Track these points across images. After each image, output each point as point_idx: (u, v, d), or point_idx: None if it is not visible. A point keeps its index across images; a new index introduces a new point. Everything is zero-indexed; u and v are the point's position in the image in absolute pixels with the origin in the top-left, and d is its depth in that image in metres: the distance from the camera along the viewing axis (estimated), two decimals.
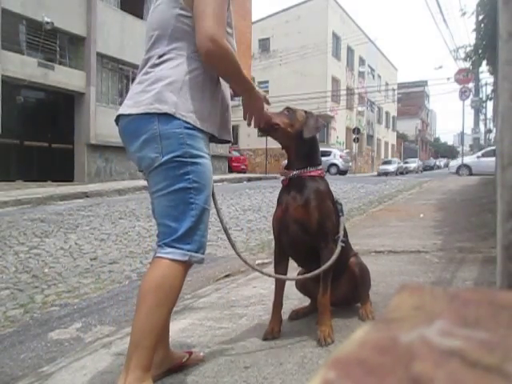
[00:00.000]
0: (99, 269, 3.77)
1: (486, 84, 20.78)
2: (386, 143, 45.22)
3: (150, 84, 1.55)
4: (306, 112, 2.11)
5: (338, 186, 12.64)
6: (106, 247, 4.57)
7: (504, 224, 1.34)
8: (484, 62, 8.85)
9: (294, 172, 2.01)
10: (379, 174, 27.88)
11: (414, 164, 37.52)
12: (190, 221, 1.55)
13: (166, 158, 1.52)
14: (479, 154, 21.28)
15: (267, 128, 2.00)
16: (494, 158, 20.39)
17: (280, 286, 2.10)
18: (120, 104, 12.60)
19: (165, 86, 1.53)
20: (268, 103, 1.88)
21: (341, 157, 24.29)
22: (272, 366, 1.74)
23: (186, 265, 1.57)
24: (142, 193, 10.54)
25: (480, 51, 7.85)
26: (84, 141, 13.82)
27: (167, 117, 1.52)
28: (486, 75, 16.87)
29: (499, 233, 1.40)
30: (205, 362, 1.82)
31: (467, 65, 11.56)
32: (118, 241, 4.86)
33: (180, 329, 2.21)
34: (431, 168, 45.75)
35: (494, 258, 2.46)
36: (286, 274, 2.09)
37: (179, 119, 1.52)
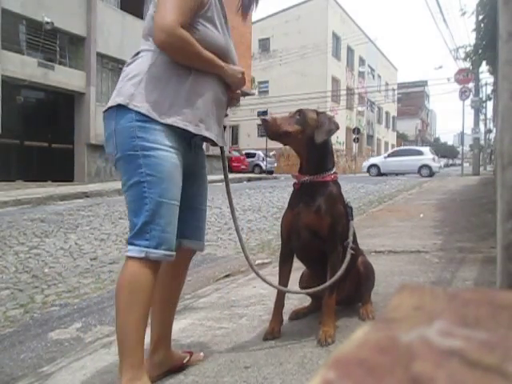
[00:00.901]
0: (99, 269, 3.77)
1: (486, 84, 20.80)
2: (386, 143, 45.22)
3: (119, 83, 1.61)
4: (317, 114, 2.03)
5: None
6: (106, 247, 4.57)
7: (504, 224, 1.34)
8: (484, 62, 8.84)
9: (306, 178, 1.97)
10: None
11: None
12: (145, 215, 1.51)
13: (119, 153, 1.54)
14: (385, 154, 23.58)
15: (277, 136, 1.97)
16: (399, 158, 22.23)
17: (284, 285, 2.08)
18: None
19: (127, 80, 1.57)
20: (243, 81, 1.78)
21: (263, 159, 24.65)
22: (272, 365, 1.74)
23: (148, 262, 1.52)
24: None
25: (480, 51, 7.85)
26: (84, 141, 13.82)
27: (122, 110, 1.53)
28: (486, 75, 16.86)
29: (499, 233, 1.40)
30: (205, 362, 1.82)
31: (467, 65, 11.57)
32: (117, 241, 4.86)
33: (180, 329, 2.21)
34: None
35: (494, 258, 2.46)
36: (290, 273, 2.09)
37: (132, 111, 1.51)
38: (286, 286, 2.08)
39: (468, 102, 20.01)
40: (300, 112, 2.01)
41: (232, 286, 3.05)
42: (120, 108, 1.54)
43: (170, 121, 1.55)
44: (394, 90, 47.04)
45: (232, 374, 1.70)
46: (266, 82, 30.70)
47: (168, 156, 1.54)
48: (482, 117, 25.73)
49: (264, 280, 1.94)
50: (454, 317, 0.27)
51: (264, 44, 31.55)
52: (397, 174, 21.47)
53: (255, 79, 26.42)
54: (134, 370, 1.46)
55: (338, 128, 2.03)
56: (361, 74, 36.57)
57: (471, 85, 19.66)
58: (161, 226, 1.53)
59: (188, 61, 1.58)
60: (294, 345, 1.92)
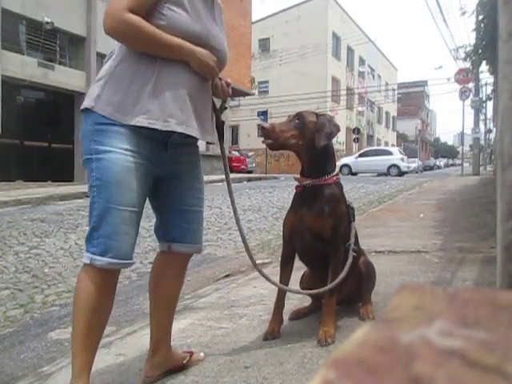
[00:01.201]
0: None
1: (486, 84, 20.78)
2: (386, 143, 45.20)
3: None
4: (317, 116, 1.98)
5: None
6: None
7: (504, 224, 1.34)
8: (484, 62, 8.84)
9: (308, 181, 1.96)
10: (379, 174, 27.88)
11: (414, 164, 37.46)
12: (93, 221, 1.46)
13: (82, 157, 1.52)
14: (357, 154, 24.25)
15: (277, 146, 1.94)
16: (369, 158, 22.92)
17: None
18: None
19: (95, 82, 1.54)
20: (213, 70, 1.61)
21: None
22: (272, 365, 1.74)
23: (95, 269, 1.47)
24: None
25: (480, 51, 7.84)
26: None
27: (88, 114, 1.50)
28: (486, 75, 16.87)
29: (499, 233, 1.40)
30: (205, 362, 1.82)
31: (467, 65, 11.57)
32: None
33: (180, 329, 2.21)
34: (431, 168, 45.76)
35: (494, 258, 2.46)
36: (291, 274, 2.08)
37: (95, 113, 1.47)
38: (286, 286, 2.07)
39: (468, 101, 20.02)
40: (299, 116, 1.96)
41: (232, 285, 3.05)
42: (86, 111, 1.51)
43: (133, 121, 1.46)
44: (394, 90, 47.03)
45: (232, 374, 1.70)
46: (266, 81, 30.69)
47: (120, 159, 1.46)
48: (482, 117, 25.73)
49: (268, 279, 1.90)
50: (454, 317, 0.27)
51: (264, 44, 31.54)
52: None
53: (255, 79, 26.43)
54: (73, 378, 1.47)
55: (338, 130, 1.98)
56: (361, 74, 36.57)
57: (471, 85, 19.66)
58: (107, 232, 1.45)
59: (144, 47, 1.48)
60: (293, 345, 1.92)
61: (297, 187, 2.02)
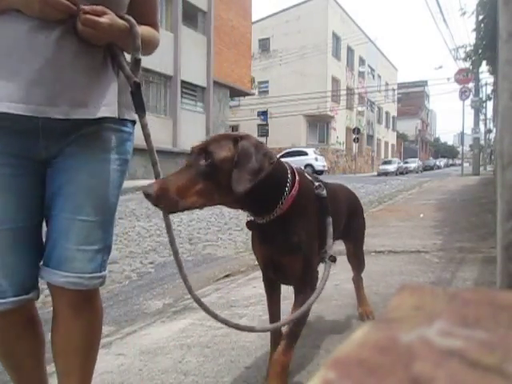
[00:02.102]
0: None
1: (486, 84, 20.78)
2: (386, 143, 45.22)
3: None
4: (235, 143, 1.26)
5: None
6: None
7: (504, 224, 1.34)
8: (484, 62, 8.85)
9: (264, 219, 1.39)
10: (379, 174, 27.94)
11: (414, 164, 37.57)
12: None
13: None
14: (279, 155, 24.90)
15: (178, 209, 1.23)
16: (288, 159, 24.62)
17: (274, 338, 1.65)
18: None
19: None
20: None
21: None
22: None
23: None
24: None
25: (480, 51, 7.85)
26: None
27: None
28: (486, 75, 16.87)
29: (499, 233, 1.40)
30: (205, 362, 1.82)
31: (467, 65, 11.57)
32: (117, 241, 4.86)
33: (180, 329, 2.21)
34: (431, 168, 45.78)
35: (493, 258, 2.46)
36: (279, 298, 1.69)
37: None
38: (277, 314, 1.68)
39: (468, 101, 20.04)
40: (205, 152, 1.24)
41: (232, 285, 3.05)
42: None
43: None
44: (394, 90, 47.03)
45: (232, 374, 1.70)
46: (266, 81, 30.68)
47: None
48: (482, 117, 25.73)
49: (207, 311, 1.48)
50: (453, 317, 0.27)
51: (264, 44, 31.53)
52: None
53: (255, 79, 26.44)
54: None
55: (271, 162, 1.27)
56: (361, 74, 36.57)
57: (471, 85, 19.67)
58: None
59: None
60: None
61: (248, 226, 1.47)
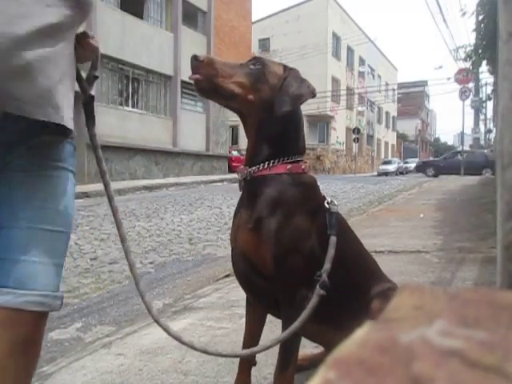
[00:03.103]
0: (99, 269, 3.77)
1: (486, 84, 20.81)
2: (386, 143, 45.22)
3: None
4: (285, 69, 1.33)
5: (338, 186, 12.65)
6: (106, 247, 4.57)
7: (504, 224, 1.34)
8: (484, 62, 8.85)
9: (249, 169, 1.30)
10: (379, 174, 27.93)
11: (414, 164, 37.56)
12: None
13: None
14: None
15: (210, 91, 1.25)
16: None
17: (250, 329, 1.48)
18: (120, 104, 12.37)
19: None
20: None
21: None
22: (272, 366, 1.73)
23: None
24: (142, 193, 10.56)
25: (480, 51, 7.86)
26: (84, 141, 13.78)
27: None
28: (486, 75, 16.91)
29: (499, 233, 1.40)
30: (205, 362, 1.82)
31: (467, 65, 11.57)
32: (117, 241, 4.84)
33: (180, 329, 2.21)
34: None
35: (493, 258, 2.46)
36: (261, 314, 1.49)
37: None
38: (256, 334, 1.50)
39: (468, 102, 20.06)
40: (257, 60, 1.29)
41: (232, 285, 3.05)
42: None
43: None
44: (393, 90, 47.02)
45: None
46: None
47: None
48: (482, 117, 25.73)
49: (165, 330, 1.26)
50: (453, 317, 0.27)
51: (264, 44, 31.53)
52: None
53: None
54: None
55: (313, 94, 1.32)
56: (361, 74, 36.56)
57: (471, 85, 19.69)
58: None
59: None
60: None
61: (239, 183, 1.35)
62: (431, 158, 22.70)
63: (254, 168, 1.28)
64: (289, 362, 1.29)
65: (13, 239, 0.96)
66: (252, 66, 1.27)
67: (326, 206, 1.31)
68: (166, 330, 1.24)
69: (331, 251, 1.25)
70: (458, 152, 22.42)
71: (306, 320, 1.19)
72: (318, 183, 1.40)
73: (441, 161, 22.12)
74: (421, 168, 22.17)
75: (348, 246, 1.38)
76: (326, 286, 1.22)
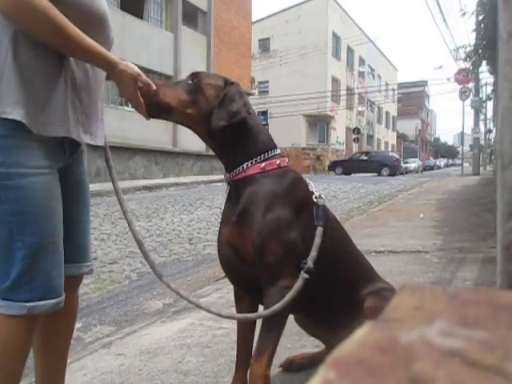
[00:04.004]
0: (99, 269, 3.77)
1: (486, 84, 20.80)
2: (386, 143, 45.22)
3: None
4: (226, 82, 1.40)
5: (338, 186, 12.66)
6: (106, 247, 4.57)
7: (504, 224, 1.34)
8: (484, 62, 8.85)
9: (228, 175, 1.41)
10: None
11: (414, 164, 37.54)
12: (20, 264, 1.15)
13: None
14: None
15: (154, 109, 1.34)
16: None
17: (242, 332, 1.54)
18: (120, 104, 12.36)
19: None
20: (134, 93, 1.27)
21: None
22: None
23: (28, 318, 1.17)
24: (142, 193, 10.57)
25: (480, 51, 7.85)
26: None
27: None
28: (486, 75, 16.89)
29: (499, 233, 1.40)
30: (205, 362, 1.82)
31: (467, 65, 11.57)
32: (117, 241, 4.86)
33: (180, 329, 2.21)
34: (431, 168, 45.76)
35: (493, 258, 2.46)
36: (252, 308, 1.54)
37: None
38: (249, 333, 1.54)
39: (468, 101, 20.04)
40: (194, 75, 1.39)
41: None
42: None
43: (51, 132, 1.17)
44: (394, 90, 47.03)
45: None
46: (266, 81, 30.66)
47: (42, 182, 1.17)
48: (482, 117, 25.75)
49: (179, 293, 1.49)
50: (453, 317, 0.27)
51: (264, 44, 31.53)
52: None
53: (255, 79, 26.43)
54: None
55: (248, 113, 1.38)
56: (361, 74, 36.56)
57: (471, 85, 19.67)
58: (44, 272, 1.18)
59: (42, 35, 1.12)
60: (293, 345, 1.92)
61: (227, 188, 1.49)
62: (340, 159, 26.82)
63: (232, 173, 1.39)
64: (265, 351, 1.30)
65: (86, 229, 1.42)
66: (190, 82, 1.37)
67: (314, 199, 1.41)
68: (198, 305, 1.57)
69: (317, 240, 1.34)
70: (363, 153, 26.64)
71: (288, 302, 1.26)
72: (305, 178, 1.49)
73: (348, 161, 25.23)
74: (332, 167, 24.80)
75: (336, 241, 1.46)
76: (311, 271, 1.30)
